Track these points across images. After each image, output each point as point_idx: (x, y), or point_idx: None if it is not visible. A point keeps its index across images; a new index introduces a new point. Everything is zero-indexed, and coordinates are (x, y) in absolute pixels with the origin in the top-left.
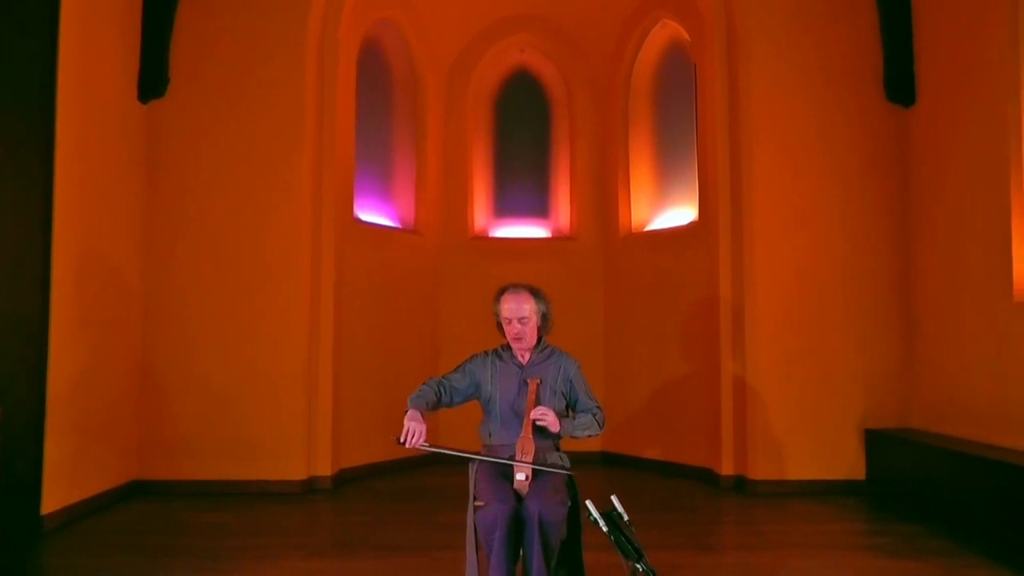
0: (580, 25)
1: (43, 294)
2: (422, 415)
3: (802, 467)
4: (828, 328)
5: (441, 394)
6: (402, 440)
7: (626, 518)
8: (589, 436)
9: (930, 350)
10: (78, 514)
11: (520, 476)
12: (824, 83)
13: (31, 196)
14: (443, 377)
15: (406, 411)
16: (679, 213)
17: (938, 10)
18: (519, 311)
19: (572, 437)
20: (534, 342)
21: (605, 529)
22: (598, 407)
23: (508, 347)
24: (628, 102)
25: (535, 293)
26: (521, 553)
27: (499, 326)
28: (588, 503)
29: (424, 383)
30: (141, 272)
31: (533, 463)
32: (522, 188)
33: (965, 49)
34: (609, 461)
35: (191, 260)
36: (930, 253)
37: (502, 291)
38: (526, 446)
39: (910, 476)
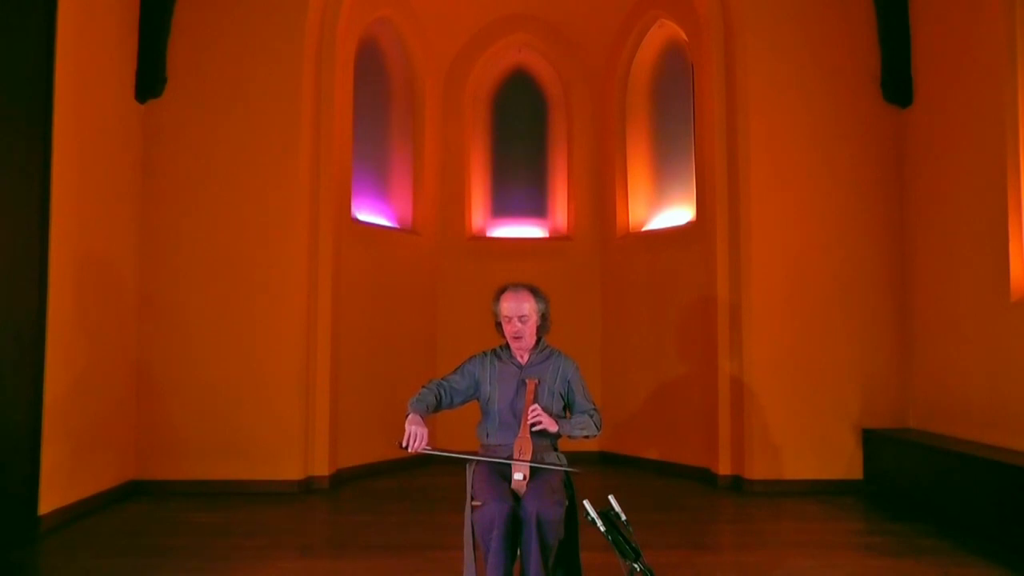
0: (578, 25)
1: (40, 295)
2: (423, 419)
3: (799, 467)
4: (825, 328)
5: (441, 396)
6: (404, 444)
7: (623, 518)
8: (586, 437)
9: (927, 350)
10: (75, 514)
11: (518, 476)
12: (821, 83)
13: (28, 197)
14: (443, 379)
15: (407, 415)
16: (676, 213)
17: (935, 10)
18: (519, 310)
19: (570, 437)
20: (533, 342)
21: (603, 529)
22: (595, 409)
23: (507, 347)
24: (626, 102)
25: (535, 292)
26: (518, 553)
27: (498, 325)
28: (586, 503)
29: (424, 386)
30: (138, 272)
31: (531, 463)
32: (519, 188)
33: (962, 50)
34: (607, 461)
35: (188, 260)
36: (927, 253)
37: (502, 290)
38: (524, 446)
39: (907, 476)
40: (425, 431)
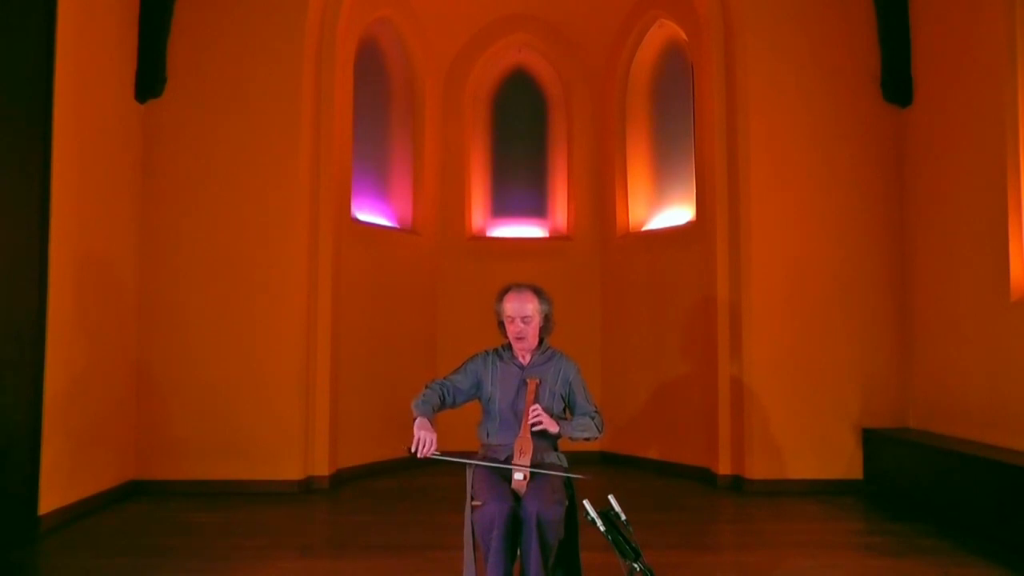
0: (578, 25)
1: (40, 295)
2: (431, 423)
3: (799, 466)
4: (825, 328)
5: (444, 396)
6: (413, 450)
7: (623, 518)
8: (587, 439)
9: (927, 349)
10: (75, 514)
11: (518, 476)
12: (821, 83)
13: (28, 197)
14: (444, 379)
15: (414, 420)
16: (676, 213)
17: (935, 10)
18: (522, 310)
19: (570, 439)
20: (536, 342)
21: (603, 529)
22: (596, 411)
23: (509, 347)
24: (626, 101)
25: (538, 293)
26: (518, 553)
27: (500, 325)
28: (586, 503)
29: (426, 387)
30: (138, 272)
31: (532, 463)
32: (519, 188)
33: (962, 50)
34: (607, 461)
35: (188, 260)
36: (927, 253)
37: (505, 290)
38: (524, 446)
39: (907, 475)
40: (434, 436)
